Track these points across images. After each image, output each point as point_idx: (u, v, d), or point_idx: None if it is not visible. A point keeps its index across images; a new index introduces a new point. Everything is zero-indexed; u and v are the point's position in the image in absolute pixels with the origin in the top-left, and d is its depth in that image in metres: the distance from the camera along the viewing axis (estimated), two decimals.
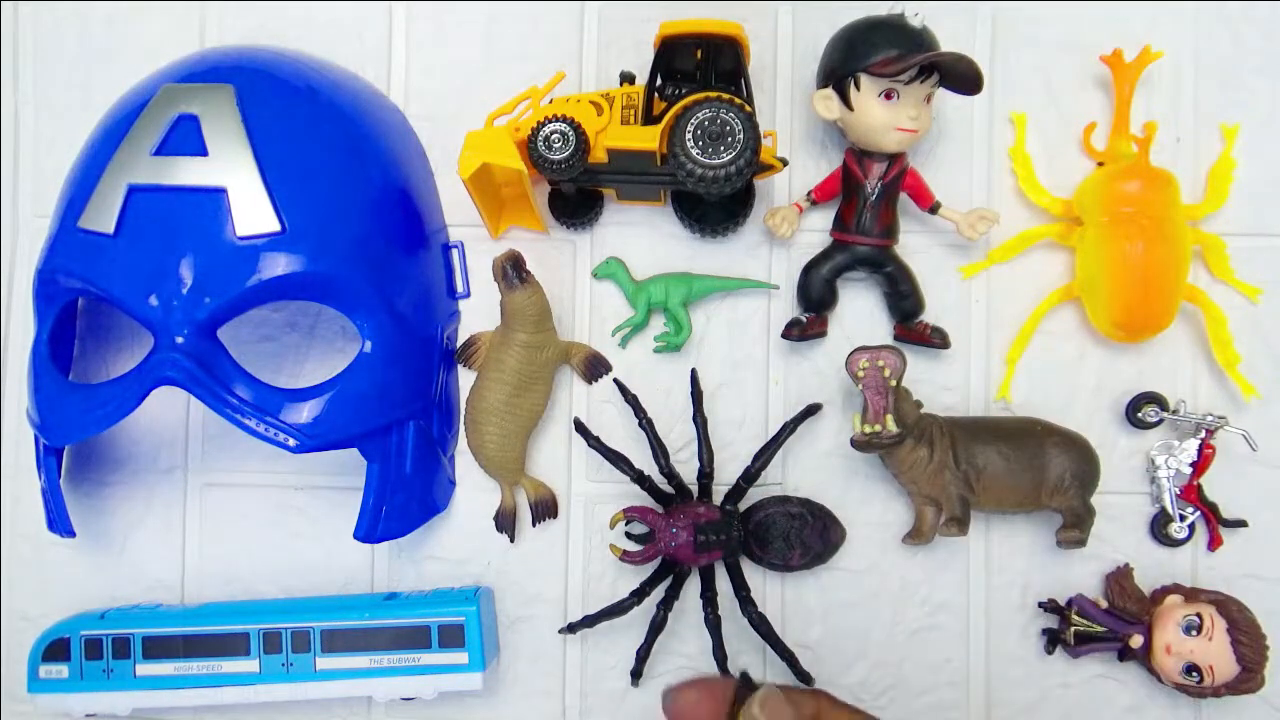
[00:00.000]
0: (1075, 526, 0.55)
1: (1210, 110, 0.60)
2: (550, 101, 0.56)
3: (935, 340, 0.58)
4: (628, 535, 0.58)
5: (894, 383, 0.54)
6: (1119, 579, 0.57)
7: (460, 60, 0.62)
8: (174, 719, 0.59)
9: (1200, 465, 0.58)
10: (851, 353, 0.55)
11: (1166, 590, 0.57)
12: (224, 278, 0.50)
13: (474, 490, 0.60)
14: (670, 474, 0.58)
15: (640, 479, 0.57)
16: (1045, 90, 0.61)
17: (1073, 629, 0.57)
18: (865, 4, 0.56)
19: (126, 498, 0.62)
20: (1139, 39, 0.59)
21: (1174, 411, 0.58)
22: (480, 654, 0.55)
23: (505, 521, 0.60)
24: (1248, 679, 0.54)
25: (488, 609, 0.58)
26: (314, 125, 0.54)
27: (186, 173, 0.50)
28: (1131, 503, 0.59)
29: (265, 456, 0.59)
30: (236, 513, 0.61)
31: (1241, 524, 0.59)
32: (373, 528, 0.55)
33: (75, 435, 0.53)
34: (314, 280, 0.51)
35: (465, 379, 0.61)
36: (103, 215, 0.51)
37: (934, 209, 0.58)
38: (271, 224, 0.50)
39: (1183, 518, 0.58)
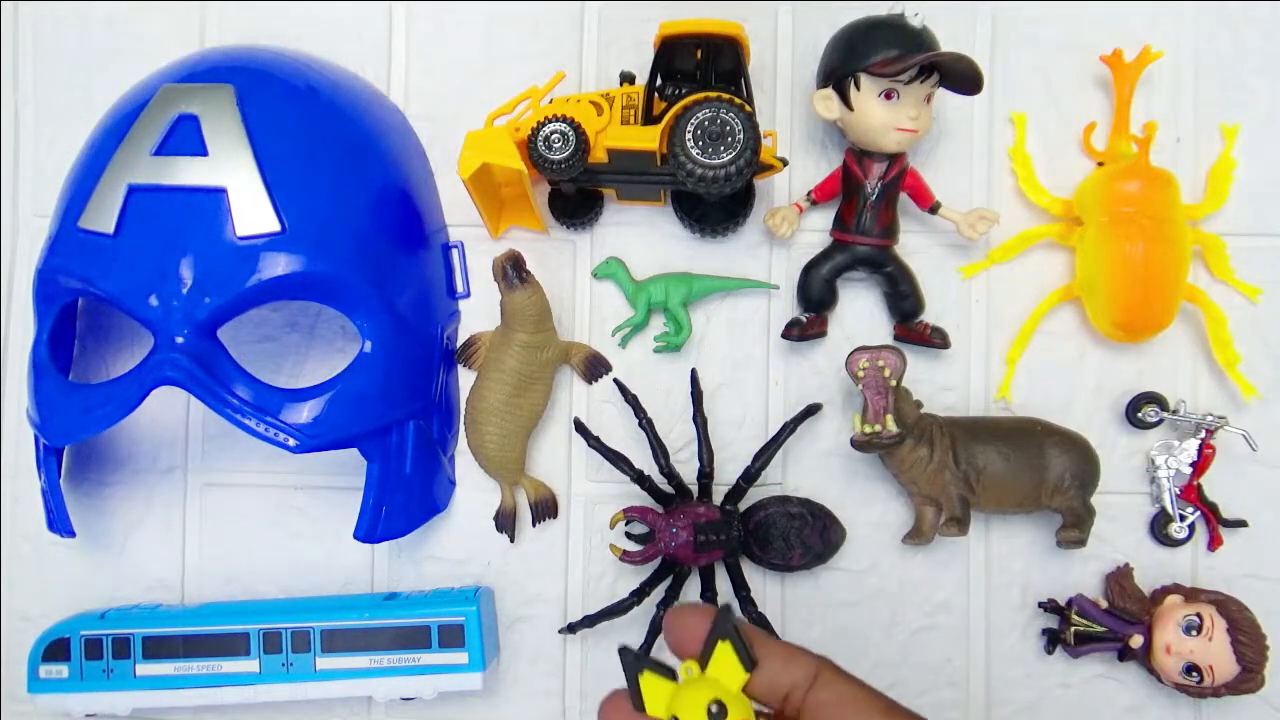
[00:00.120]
0: (1075, 526, 0.55)
1: (1210, 110, 0.60)
2: (550, 101, 0.56)
3: (935, 340, 0.58)
4: (628, 535, 0.58)
5: (894, 383, 0.54)
6: (1119, 579, 0.57)
7: (460, 60, 0.62)
8: (174, 719, 0.59)
9: (1200, 465, 0.58)
10: (851, 353, 0.55)
11: (1166, 590, 0.57)
12: (224, 278, 0.50)
13: (474, 490, 0.60)
14: (670, 474, 0.58)
15: (640, 479, 0.57)
16: (1045, 90, 0.61)
17: (1073, 629, 0.57)
18: (865, 4, 0.56)
19: (126, 498, 0.62)
20: (1139, 39, 0.59)
21: (1174, 411, 0.58)
22: (480, 654, 0.55)
23: (505, 521, 0.60)
24: (1248, 679, 0.54)
25: (488, 609, 0.58)
26: (314, 125, 0.54)
27: (186, 173, 0.50)
28: (1131, 503, 0.59)
29: (265, 456, 0.59)
30: (236, 513, 0.61)
31: (1241, 524, 0.59)
32: (373, 528, 0.55)
33: (75, 435, 0.53)
34: (314, 280, 0.51)
35: (465, 379, 0.61)
36: (103, 215, 0.51)
37: (934, 209, 0.58)
38: (271, 224, 0.50)
39: (1183, 518, 0.58)
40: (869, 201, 0.57)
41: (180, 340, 0.50)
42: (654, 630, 0.56)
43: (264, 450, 0.53)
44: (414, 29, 0.62)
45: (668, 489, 0.58)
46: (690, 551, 0.56)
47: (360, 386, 0.53)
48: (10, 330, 0.63)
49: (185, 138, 0.51)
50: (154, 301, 0.50)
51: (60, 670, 0.56)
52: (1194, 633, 0.54)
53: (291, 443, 0.51)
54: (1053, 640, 0.58)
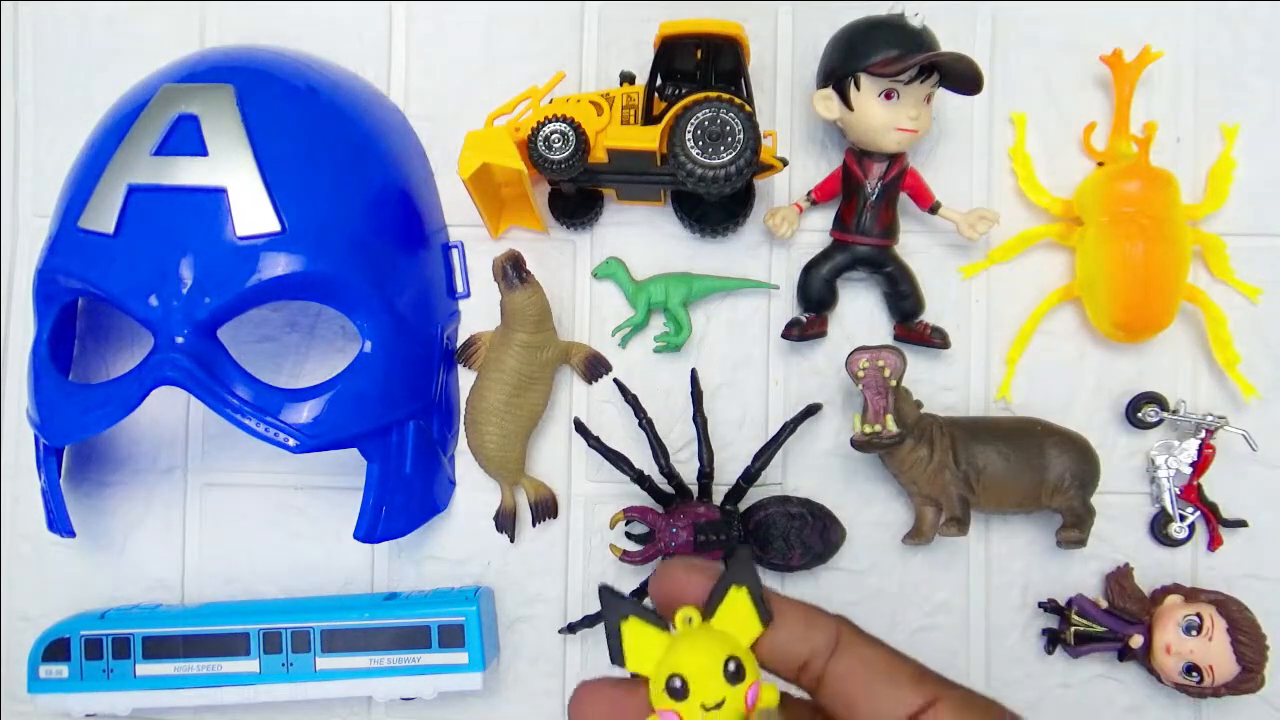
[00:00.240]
0: (1075, 526, 0.55)
1: (1210, 110, 0.60)
2: (550, 101, 0.56)
3: (935, 340, 0.58)
4: (628, 535, 0.58)
5: (894, 383, 0.54)
6: (1119, 579, 0.57)
7: (460, 60, 0.62)
8: (174, 719, 0.59)
9: (1200, 465, 0.58)
10: (851, 353, 0.55)
11: (1166, 590, 0.57)
12: (224, 278, 0.50)
13: (474, 490, 0.60)
14: (670, 474, 0.58)
15: (640, 479, 0.57)
16: (1045, 90, 0.61)
17: (1073, 629, 0.57)
18: (865, 4, 0.56)
19: (126, 498, 0.62)
20: (1139, 39, 0.59)
21: (1174, 411, 0.58)
22: (480, 654, 0.55)
23: (505, 521, 0.60)
24: (1248, 679, 0.54)
25: (488, 609, 0.58)
26: (314, 125, 0.54)
27: (186, 173, 0.50)
28: (1131, 503, 0.59)
29: (265, 456, 0.59)
30: (236, 513, 0.61)
31: (1241, 524, 0.59)
32: (373, 528, 0.55)
33: (75, 435, 0.53)
34: (314, 280, 0.51)
35: (465, 379, 0.61)
36: (103, 215, 0.51)
37: (934, 209, 0.58)
38: (271, 224, 0.50)
39: (1183, 518, 0.58)
40: (869, 201, 0.57)
41: (180, 340, 0.50)
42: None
43: (264, 450, 0.53)
44: (414, 29, 0.62)
45: (668, 489, 0.58)
46: (690, 551, 0.56)
47: (360, 386, 0.53)
48: (10, 330, 0.63)
49: (185, 138, 0.51)
50: (154, 301, 0.50)
51: (60, 670, 0.56)
52: (1194, 633, 0.54)
53: (291, 443, 0.51)
54: (1053, 640, 0.58)
